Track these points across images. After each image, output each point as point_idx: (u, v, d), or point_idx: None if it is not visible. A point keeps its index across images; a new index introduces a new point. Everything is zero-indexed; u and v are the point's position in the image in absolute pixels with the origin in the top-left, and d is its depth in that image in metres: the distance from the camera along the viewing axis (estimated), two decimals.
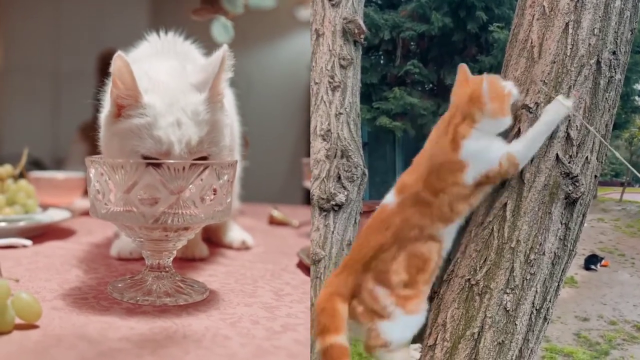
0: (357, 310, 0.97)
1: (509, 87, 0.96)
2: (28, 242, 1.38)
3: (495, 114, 0.94)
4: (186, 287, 1.04)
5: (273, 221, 1.82)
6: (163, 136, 0.94)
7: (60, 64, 3.53)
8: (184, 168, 0.91)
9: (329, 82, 1.43)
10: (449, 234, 0.98)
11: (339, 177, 1.38)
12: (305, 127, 3.99)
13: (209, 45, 1.24)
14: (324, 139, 1.40)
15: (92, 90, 3.18)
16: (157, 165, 0.91)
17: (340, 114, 1.42)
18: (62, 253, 1.33)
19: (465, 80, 1.00)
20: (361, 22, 1.46)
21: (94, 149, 3.12)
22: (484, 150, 0.94)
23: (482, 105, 0.94)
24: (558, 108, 0.94)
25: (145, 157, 0.94)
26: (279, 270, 1.25)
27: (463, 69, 1.01)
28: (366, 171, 1.43)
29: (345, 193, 1.37)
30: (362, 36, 1.47)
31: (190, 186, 0.92)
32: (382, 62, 6.64)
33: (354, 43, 1.46)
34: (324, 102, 1.42)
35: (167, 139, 0.94)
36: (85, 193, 1.90)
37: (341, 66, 1.44)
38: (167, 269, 1.03)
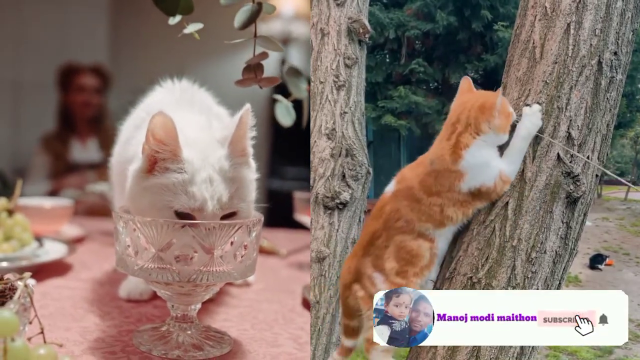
0: (358, 294, 1.01)
1: (511, 109, 0.98)
2: (32, 282, 1.33)
3: (499, 130, 0.96)
4: (211, 338, 1.03)
5: (262, 250, 1.76)
6: (197, 192, 0.94)
7: (20, 73, 3.49)
8: (220, 226, 0.92)
9: (334, 81, 1.44)
10: (441, 235, 1.00)
11: (344, 176, 1.39)
12: (266, 147, 3.89)
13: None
14: (329, 138, 1.41)
15: (53, 101, 3.17)
16: (192, 224, 0.92)
17: (345, 112, 1.43)
18: (68, 294, 1.30)
19: (469, 90, 1.02)
20: (366, 22, 1.47)
21: (56, 161, 3.09)
22: (483, 164, 0.96)
23: (491, 117, 0.96)
24: (531, 120, 0.97)
25: (177, 212, 0.94)
26: (288, 312, 1.25)
27: (467, 80, 1.03)
28: (370, 170, 1.44)
29: (350, 191, 1.38)
30: (367, 35, 1.48)
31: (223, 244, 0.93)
32: (387, 60, 6.64)
33: (359, 42, 1.48)
34: (329, 101, 1.43)
35: (201, 195, 0.94)
36: (72, 219, 1.88)
37: (346, 65, 1.45)
38: (192, 319, 1.03)
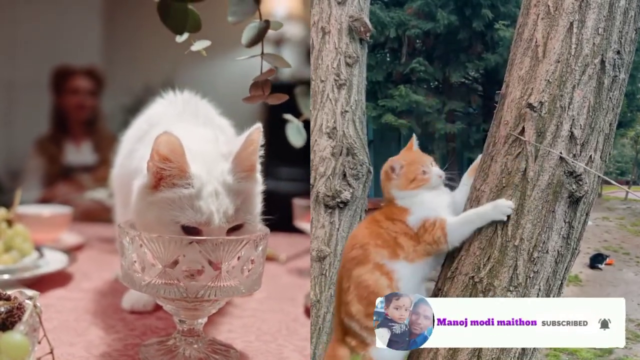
0: (352, 345, 1.00)
1: (430, 174, 1.02)
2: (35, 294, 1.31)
3: (403, 187, 1.01)
4: (217, 352, 1.03)
5: None
6: (204, 206, 0.94)
7: (14, 74, 3.46)
8: (227, 241, 0.92)
9: (335, 80, 1.43)
10: (398, 272, 0.98)
11: (345, 175, 1.39)
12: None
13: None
14: (330, 137, 1.40)
15: (47, 103, 3.15)
16: (199, 240, 0.92)
17: (346, 111, 1.42)
18: (70, 306, 1.28)
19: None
20: (367, 20, 1.46)
21: (50, 165, 3.07)
22: (423, 203, 1.00)
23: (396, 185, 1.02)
24: (499, 210, 0.97)
25: (184, 227, 0.94)
26: (291, 322, 1.25)
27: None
28: (371, 169, 1.43)
29: (351, 190, 1.38)
30: (368, 34, 1.47)
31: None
32: (387, 59, 6.64)
33: (360, 41, 1.47)
34: (330, 99, 1.42)
35: (207, 209, 0.94)
36: (70, 226, 1.86)
37: (347, 64, 1.44)
38: (198, 333, 1.03)
